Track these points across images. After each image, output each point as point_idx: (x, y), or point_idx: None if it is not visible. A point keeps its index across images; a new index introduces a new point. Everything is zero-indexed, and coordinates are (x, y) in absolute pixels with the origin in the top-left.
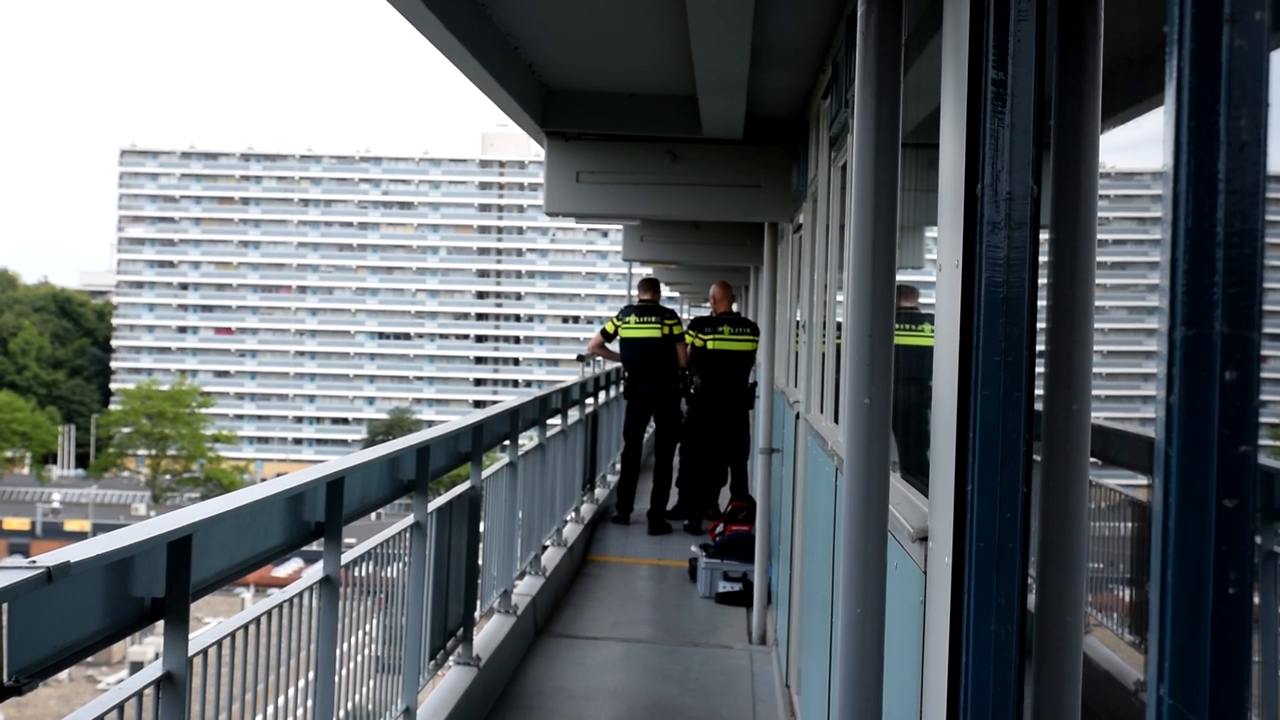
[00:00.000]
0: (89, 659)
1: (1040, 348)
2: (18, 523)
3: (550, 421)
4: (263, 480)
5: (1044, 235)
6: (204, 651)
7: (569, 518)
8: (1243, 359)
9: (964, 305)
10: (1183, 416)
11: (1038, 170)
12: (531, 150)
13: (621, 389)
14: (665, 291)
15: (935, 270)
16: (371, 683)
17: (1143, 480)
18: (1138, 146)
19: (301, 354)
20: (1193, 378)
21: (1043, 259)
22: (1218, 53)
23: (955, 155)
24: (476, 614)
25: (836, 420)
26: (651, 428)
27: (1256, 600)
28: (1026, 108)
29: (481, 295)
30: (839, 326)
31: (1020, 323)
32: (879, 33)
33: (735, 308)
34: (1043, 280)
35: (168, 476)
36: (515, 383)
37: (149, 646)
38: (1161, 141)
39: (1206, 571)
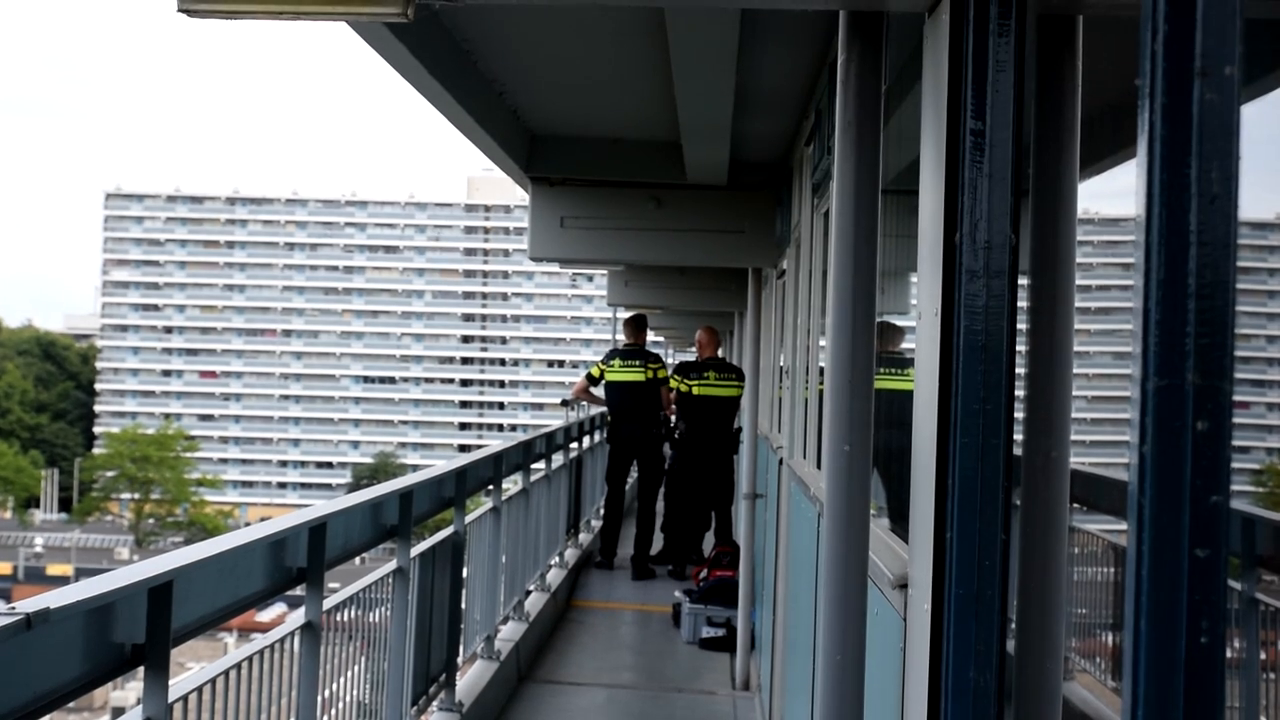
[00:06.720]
0: (70, 705)
1: (1020, 393)
2: (0, 567)
3: (535, 466)
4: (247, 525)
5: (1023, 281)
6: (184, 698)
7: (553, 562)
8: (1214, 409)
9: (943, 353)
10: (1155, 466)
11: (1016, 219)
12: (517, 195)
13: (605, 433)
14: (650, 336)
15: (915, 318)
16: None
17: (1124, 525)
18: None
19: (286, 398)
20: (1165, 428)
21: (1022, 305)
22: (1189, 106)
23: (934, 204)
24: (459, 659)
25: (819, 466)
26: (635, 473)
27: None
28: (1005, 157)
29: (467, 339)
30: (822, 372)
31: (999, 370)
32: (859, 82)
33: (720, 353)
34: (1022, 326)
35: (151, 521)
36: (500, 427)
37: (131, 692)
38: (1134, 192)
39: (1179, 620)
